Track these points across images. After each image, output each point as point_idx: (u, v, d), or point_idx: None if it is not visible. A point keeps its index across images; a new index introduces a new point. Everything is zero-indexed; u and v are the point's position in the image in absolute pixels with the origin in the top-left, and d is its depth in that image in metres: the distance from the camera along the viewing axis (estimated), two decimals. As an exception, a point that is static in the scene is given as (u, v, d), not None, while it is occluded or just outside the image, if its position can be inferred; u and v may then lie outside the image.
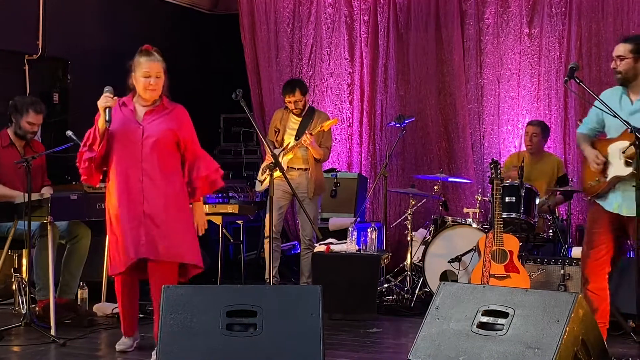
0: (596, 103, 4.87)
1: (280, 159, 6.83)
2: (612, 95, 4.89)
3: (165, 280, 4.70)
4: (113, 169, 4.89)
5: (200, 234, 5.03)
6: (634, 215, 4.68)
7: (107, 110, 4.74)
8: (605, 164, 4.80)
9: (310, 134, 6.70)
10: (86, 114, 7.31)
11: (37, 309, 5.85)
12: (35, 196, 5.44)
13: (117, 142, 4.87)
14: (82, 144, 4.91)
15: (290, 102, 6.95)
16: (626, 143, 4.69)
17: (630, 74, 4.78)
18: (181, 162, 4.96)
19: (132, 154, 4.84)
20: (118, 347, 5.05)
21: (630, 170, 4.66)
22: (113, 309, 6.01)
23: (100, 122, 4.79)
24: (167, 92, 4.98)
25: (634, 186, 4.59)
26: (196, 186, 4.96)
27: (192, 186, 4.96)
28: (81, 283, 6.19)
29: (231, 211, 6.97)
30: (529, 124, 7.21)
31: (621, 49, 4.81)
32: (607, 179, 4.79)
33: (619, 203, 4.80)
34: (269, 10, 8.96)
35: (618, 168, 4.75)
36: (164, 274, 4.81)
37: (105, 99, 4.77)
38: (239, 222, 7.44)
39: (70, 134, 5.94)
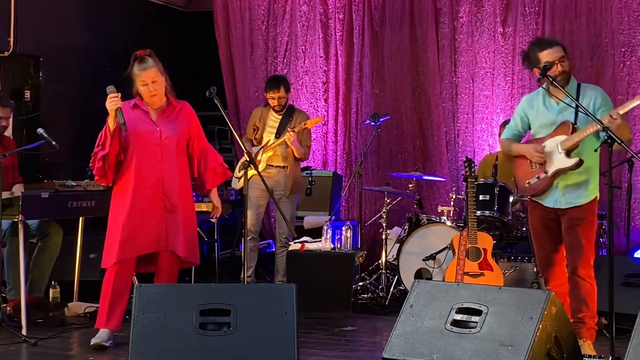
0: (524, 100, 5.11)
1: (259, 157, 6.82)
2: (534, 98, 5.03)
3: (174, 273, 5.13)
4: (130, 169, 4.99)
5: (217, 217, 5.47)
6: (572, 205, 4.86)
7: (117, 112, 4.83)
8: (544, 160, 4.88)
9: (294, 132, 6.69)
10: (58, 111, 7.27)
11: (7, 308, 5.79)
12: (6, 194, 5.38)
13: (134, 143, 4.99)
14: (95, 145, 4.98)
15: (273, 98, 6.93)
16: (563, 137, 4.80)
17: (568, 73, 4.87)
18: (188, 157, 5.19)
19: (151, 155, 5.00)
20: (93, 340, 4.98)
21: (574, 160, 4.77)
22: (85, 309, 5.96)
23: (111, 122, 4.86)
24: (171, 91, 5.14)
25: (582, 182, 4.82)
26: (205, 179, 5.26)
27: (201, 179, 5.25)
28: (53, 282, 6.14)
29: (205, 210, 6.92)
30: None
31: (560, 51, 4.84)
32: (549, 174, 4.88)
33: (556, 197, 4.91)
34: (244, 8, 8.93)
35: (559, 161, 4.83)
36: (172, 267, 5.11)
37: (113, 101, 4.84)
38: (214, 220, 7.39)
39: (41, 131, 5.87)
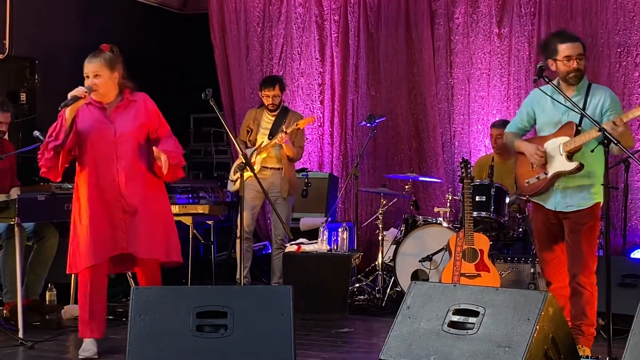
0: (534, 95, 4.96)
1: (253, 158, 6.81)
2: (542, 94, 4.88)
3: (152, 276, 4.92)
4: (85, 169, 4.84)
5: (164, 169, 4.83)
6: (572, 210, 4.80)
7: (72, 99, 4.68)
8: (545, 160, 4.81)
9: (286, 132, 6.68)
10: (54, 113, 7.23)
11: (4, 311, 5.78)
12: (2, 197, 5.37)
13: (89, 142, 4.83)
14: (46, 137, 4.83)
15: (268, 96, 6.92)
16: (565, 138, 4.73)
17: (582, 72, 4.81)
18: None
19: (106, 154, 4.82)
20: (82, 354, 4.89)
21: (574, 164, 4.71)
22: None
23: (68, 113, 4.71)
24: (128, 84, 4.95)
25: (580, 185, 4.75)
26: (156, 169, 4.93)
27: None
28: (50, 285, 6.12)
29: (201, 211, 6.93)
30: (492, 126, 7.23)
31: (580, 48, 4.78)
32: (549, 176, 4.81)
33: (557, 200, 4.85)
34: (239, 10, 8.93)
35: (560, 163, 4.76)
36: (150, 271, 4.94)
37: (78, 90, 4.71)
38: (210, 222, 7.40)
39: (37, 134, 5.86)
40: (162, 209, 5.03)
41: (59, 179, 4.94)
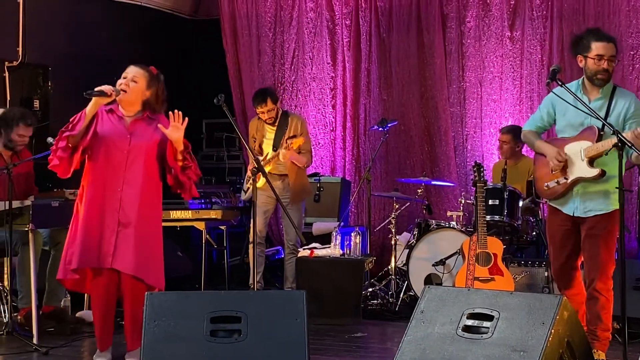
0: (555, 100, 4.83)
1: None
2: (565, 93, 4.70)
3: (136, 293, 4.72)
4: (94, 173, 4.81)
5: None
6: (591, 215, 4.71)
7: (99, 92, 4.68)
8: (565, 164, 4.74)
9: (287, 149, 6.67)
10: (67, 120, 7.26)
11: (18, 317, 5.79)
12: (16, 203, 5.39)
13: (103, 148, 4.81)
14: (64, 127, 4.79)
15: (262, 112, 6.91)
16: (587, 143, 4.65)
17: (610, 75, 4.69)
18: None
19: (116, 161, 4.79)
20: (96, 359, 4.91)
21: (595, 171, 4.63)
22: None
23: (90, 107, 4.71)
24: (153, 106, 4.91)
25: (602, 190, 4.66)
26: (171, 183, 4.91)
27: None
28: (64, 291, 6.13)
29: (214, 217, 6.94)
30: (500, 131, 7.22)
31: (613, 50, 4.65)
32: (569, 181, 4.73)
33: (576, 205, 4.77)
34: (251, 15, 8.95)
35: (581, 169, 4.69)
36: (135, 287, 4.78)
37: (106, 87, 4.71)
38: (222, 227, 7.41)
39: (51, 140, 5.84)
40: (156, 230, 4.94)
41: (67, 176, 4.86)
